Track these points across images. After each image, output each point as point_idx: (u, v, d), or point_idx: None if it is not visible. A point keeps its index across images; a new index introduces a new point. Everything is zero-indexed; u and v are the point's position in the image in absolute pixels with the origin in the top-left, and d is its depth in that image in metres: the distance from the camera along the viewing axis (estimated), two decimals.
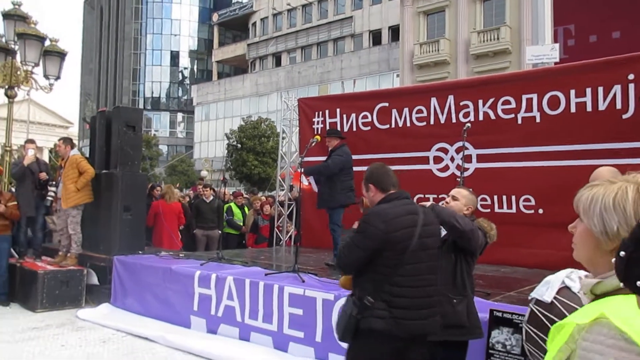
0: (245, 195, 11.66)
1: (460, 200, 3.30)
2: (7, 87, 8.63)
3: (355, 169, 7.63)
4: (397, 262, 2.67)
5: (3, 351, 5.07)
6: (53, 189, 7.23)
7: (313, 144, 5.81)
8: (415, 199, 3.37)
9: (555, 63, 8.57)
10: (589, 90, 5.84)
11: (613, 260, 1.04)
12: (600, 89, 5.77)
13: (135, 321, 6.12)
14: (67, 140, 7.55)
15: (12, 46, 8.86)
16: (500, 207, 6.48)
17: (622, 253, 1.00)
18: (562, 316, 1.96)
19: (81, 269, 7.11)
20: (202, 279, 5.74)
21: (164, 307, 6.14)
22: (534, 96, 6.22)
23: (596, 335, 0.95)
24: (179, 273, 6.03)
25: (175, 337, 5.35)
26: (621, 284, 1.03)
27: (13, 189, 8.31)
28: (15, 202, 7.31)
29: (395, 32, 34.11)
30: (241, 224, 9.86)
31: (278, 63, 44.84)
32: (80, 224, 7.21)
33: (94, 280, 7.37)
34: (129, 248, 7.17)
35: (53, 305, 6.73)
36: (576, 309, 1.19)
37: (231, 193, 11.70)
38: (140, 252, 7.25)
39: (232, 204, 9.92)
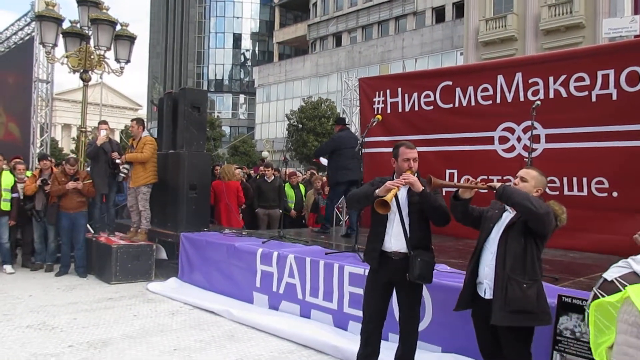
0: (302, 175, 11.69)
1: (529, 181, 3.16)
2: (82, 70, 9.09)
3: (418, 149, 7.53)
4: None
5: (83, 318, 5.44)
6: (127, 165, 7.58)
7: (374, 124, 5.74)
8: (478, 180, 3.28)
9: (635, 36, 8.02)
10: None
11: None
12: None
13: (201, 295, 6.38)
14: (140, 121, 7.91)
15: (86, 31, 9.31)
16: (570, 189, 6.17)
17: None
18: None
19: (151, 244, 7.47)
20: (264, 257, 5.88)
21: (228, 283, 6.36)
22: (611, 72, 5.83)
23: (623, 314, 0.93)
24: (242, 250, 6.21)
25: (239, 312, 5.53)
26: None
27: (88, 169, 8.80)
28: (91, 180, 7.77)
29: (459, 8, 32.94)
30: (292, 205, 9.75)
31: (338, 43, 44.52)
32: (149, 201, 7.56)
33: (163, 255, 7.73)
34: (195, 225, 7.44)
35: (126, 278, 7.12)
36: None
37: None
38: (205, 229, 7.52)
39: (286, 185, 9.88)
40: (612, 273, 2.34)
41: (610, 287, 2.22)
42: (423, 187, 3.47)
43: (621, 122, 5.76)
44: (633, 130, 5.69)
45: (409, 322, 3.66)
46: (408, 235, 3.54)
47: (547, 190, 6.00)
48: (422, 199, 3.48)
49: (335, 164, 7.08)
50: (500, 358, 3.13)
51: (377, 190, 3.52)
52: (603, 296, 2.27)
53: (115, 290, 6.78)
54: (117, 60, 9.40)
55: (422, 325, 4.31)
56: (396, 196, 3.53)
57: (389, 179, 3.65)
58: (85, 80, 9.20)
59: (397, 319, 3.79)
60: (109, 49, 9.18)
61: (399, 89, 7.85)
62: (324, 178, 10.88)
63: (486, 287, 3.14)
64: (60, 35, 9.27)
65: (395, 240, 3.57)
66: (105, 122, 8.50)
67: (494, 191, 3.10)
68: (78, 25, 9.42)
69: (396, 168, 3.71)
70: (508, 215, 3.16)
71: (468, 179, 3.27)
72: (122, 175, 7.69)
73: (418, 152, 3.73)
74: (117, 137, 31.21)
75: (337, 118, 7.76)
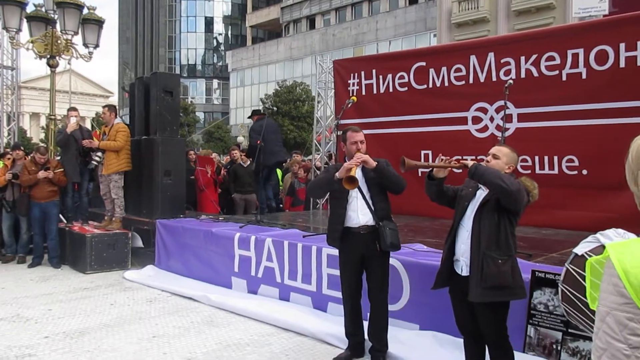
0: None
1: (501, 158, 3.20)
2: (48, 56, 8.82)
3: (391, 130, 7.60)
4: None
5: (59, 309, 5.36)
6: (99, 153, 7.44)
7: (349, 105, 5.73)
8: (453, 160, 3.30)
9: (604, 15, 8.14)
10: None
11: None
12: None
13: (179, 282, 6.34)
14: (112, 108, 7.75)
15: (52, 16, 9.02)
16: (542, 168, 6.29)
17: None
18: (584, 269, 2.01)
19: (126, 233, 7.37)
20: (242, 241, 5.86)
21: (206, 269, 6.33)
22: (580, 51, 5.92)
23: (605, 268, 1.09)
24: (219, 235, 6.18)
25: (218, 298, 5.52)
26: None
27: (58, 157, 8.60)
28: (62, 169, 7.59)
29: None
30: None
31: (312, 26, 44.17)
32: (122, 189, 7.44)
33: (139, 243, 7.65)
34: (171, 212, 7.37)
35: (101, 267, 7.03)
36: None
37: None
38: (181, 215, 7.45)
39: None
40: (582, 248, 2.40)
41: (581, 262, 2.28)
42: (376, 163, 3.75)
43: (590, 100, 5.87)
44: (601, 109, 5.81)
45: (380, 294, 3.87)
46: (373, 208, 3.81)
47: (520, 169, 6.12)
48: (378, 173, 3.79)
49: (263, 149, 7.30)
50: (477, 332, 3.19)
51: (336, 174, 3.78)
52: (575, 270, 2.33)
53: (91, 279, 6.69)
54: (86, 45, 9.15)
55: (400, 304, 4.37)
56: None
57: (340, 165, 3.93)
58: (53, 66, 8.93)
59: (368, 293, 3.93)
60: (76, 33, 8.92)
61: (374, 71, 7.84)
62: (303, 162, 10.90)
63: (463, 265, 3.19)
64: (25, 20, 8.97)
65: (362, 215, 3.83)
66: (75, 109, 8.31)
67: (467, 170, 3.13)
68: (43, 9, 9.13)
69: (346, 151, 4.02)
70: (482, 193, 3.20)
71: (442, 159, 3.28)
72: (95, 163, 7.54)
73: (393, 134, 3.83)
74: (88, 125, 30.50)
75: (253, 110, 8.03)
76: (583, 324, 2.42)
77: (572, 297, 2.37)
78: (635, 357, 1.02)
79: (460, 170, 3.23)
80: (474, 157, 6.15)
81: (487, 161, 3.21)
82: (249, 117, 7.92)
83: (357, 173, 3.78)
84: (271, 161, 7.58)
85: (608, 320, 1.05)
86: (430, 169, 3.37)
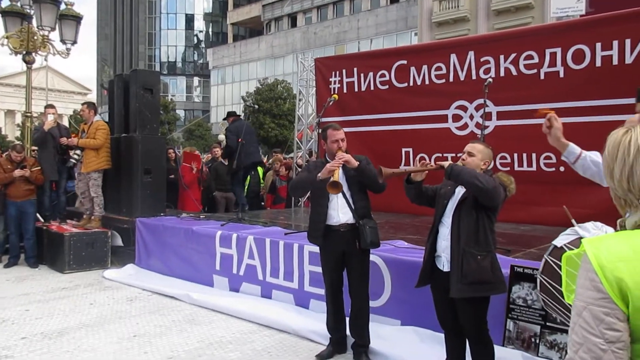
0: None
1: (476, 155, 3.24)
2: (24, 52, 8.65)
3: (373, 128, 7.63)
4: None
5: (36, 309, 5.27)
6: (78, 151, 7.33)
7: (330, 103, 5.76)
8: (433, 158, 3.35)
9: (581, 15, 8.28)
10: (615, 43, 5.62)
11: None
12: (628, 42, 5.55)
13: (159, 281, 6.28)
14: (91, 105, 7.65)
15: (28, 11, 8.85)
16: (521, 165, 6.38)
17: None
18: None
19: (105, 231, 7.27)
20: (223, 239, 5.83)
21: (187, 267, 6.29)
22: (558, 50, 6.02)
23: (582, 263, 1.11)
24: (200, 233, 6.14)
25: (199, 296, 5.49)
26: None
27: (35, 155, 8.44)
28: (39, 167, 7.46)
29: None
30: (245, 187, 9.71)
31: (294, 24, 44.10)
32: (101, 187, 7.35)
33: (118, 242, 7.55)
34: (151, 210, 7.30)
35: (80, 267, 6.93)
36: None
37: None
38: (161, 214, 7.38)
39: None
40: (561, 240, 2.45)
41: (560, 253, 2.33)
42: (358, 162, 3.76)
43: (567, 98, 5.96)
44: (578, 107, 5.91)
45: (361, 290, 3.90)
46: (353, 206, 3.84)
47: (499, 166, 6.20)
48: (359, 172, 3.80)
49: (240, 150, 7.25)
50: (457, 327, 3.23)
51: (318, 175, 3.75)
52: (553, 261, 2.38)
53: (70, 279, 6.59)
54: (63, 41, 9.00)
55: (382, 301, 4.40)
56: None
57: (320, 162, 3.97)
58: (29, 62, 8.77)
59: (349, 290, 3.97)
60: (53, 29, 8.77)
61: (355, 69, 7.86)
62: (281, 156, 10.89)
63: (444, 261, 3.22)
64: None
65: (342, 213, 3.86)
66: (52, 106, 8.16)
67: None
68: (18, 4, 8.95)
69: (327, 149, 4.02)
70: (460, 190, 3.24)
71: (423, 157, 3.31)
72: (73, 161, 7.43)
73: (374, 132, 3.82)
74: (65, 123, 30.05)
75: (228, 112, 8.01)
76: (560, 315, 2.46)
77: (550, 288, 2.42)
78: (611, 351, 1.03)
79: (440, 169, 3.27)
80: (453, 155, 6.27)
81: (463, 159, 3.25)
82: (224, 119, 7.89)
83: (339, 172, 3.80)
84: (248, 161, 7.58)
85: (585, 315, 1.07)
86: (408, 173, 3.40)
